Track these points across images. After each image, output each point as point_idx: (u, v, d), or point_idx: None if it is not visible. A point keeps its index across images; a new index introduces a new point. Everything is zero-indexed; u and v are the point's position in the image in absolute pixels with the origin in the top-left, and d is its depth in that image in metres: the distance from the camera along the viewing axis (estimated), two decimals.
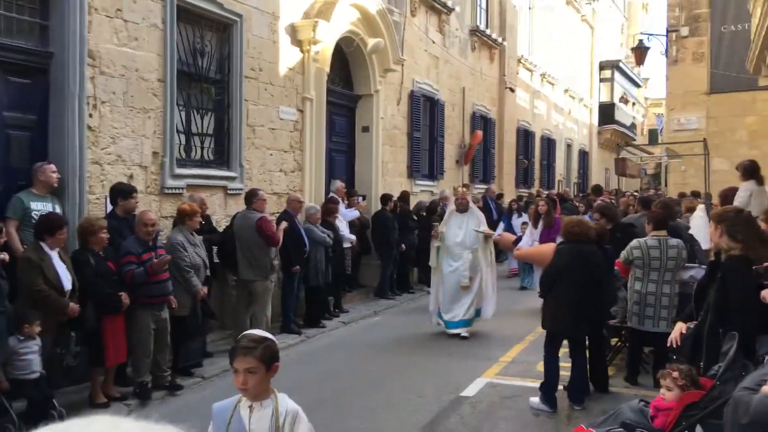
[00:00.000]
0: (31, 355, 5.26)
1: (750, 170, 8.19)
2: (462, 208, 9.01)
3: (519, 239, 10.20)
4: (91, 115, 6.75)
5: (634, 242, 6.61)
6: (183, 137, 8.24)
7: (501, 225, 13.44)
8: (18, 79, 6.37)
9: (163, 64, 7.63)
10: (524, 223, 12.14)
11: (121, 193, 6.63)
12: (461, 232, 8.84)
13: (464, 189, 9.36)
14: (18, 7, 6.31)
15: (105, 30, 6.93)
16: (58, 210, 6.14)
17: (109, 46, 6.97)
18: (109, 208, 6.79)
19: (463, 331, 8.62)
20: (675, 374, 3.91)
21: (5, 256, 5.34)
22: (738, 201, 7.57)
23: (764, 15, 9.52)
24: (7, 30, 6.24)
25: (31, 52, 6.44)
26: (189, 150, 8.38)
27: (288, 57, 9.91)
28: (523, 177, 21.03)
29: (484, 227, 9.00)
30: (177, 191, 7.84)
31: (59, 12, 6.50)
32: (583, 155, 29.33)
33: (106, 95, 6.95)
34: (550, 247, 8.88)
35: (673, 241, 6.55)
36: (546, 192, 19.35)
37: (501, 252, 12.69)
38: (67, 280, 5.55)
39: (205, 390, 6.68)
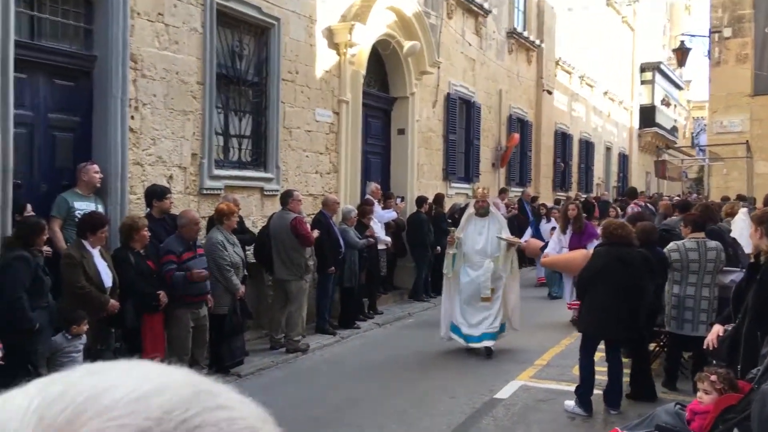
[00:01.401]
0: (76, 354, 5.40)
1: None
2: (482, 212, 8.11)
3: (546, 246, 9.88)
4: (132, 117, 6.93)
5: (672, 244, 6.50)
6: (221, 139, 8.38)
7: (528, 230, 12.54)
8: (63, 81, 6.58)
9: (203, 67, 7.78)
10: (553, 228, 11.31)
11: (156, 194, 6.78)
12: (481, 238, 7.99)
13: (485, 190, 8.53)
14: (63, 11, 6.52)
15: (147, 34, 7.10)
16: (100, 209, 6.30)
17: (150, 49, 7.14)
18: (145, 209, 6.94)
19: (486, 344, 7.82)
20: (713, 377, 3.84)
21: (48, 250, 5.51)
22: None
23: None
24: (53, 34, 6.45)
25: (76, 55, 6.65)
26: (227, 151, 8.52)
27: (324, 60, 10.00)
28: (561, 180, 20.82)
29: (507, 233, 8.23)
30: (215, 192, 7.98)
31: (103, 16, 6.69)
32: (623, 158, 28.89)
33: (147, 97, 7.12)
34: (579, 254, 8.62)
35: (712, 243, 6.43)
36: (584, 196, 19.16)
37: (529, 259, 11.99)
38: (107, 278, 5.70)
39: (241, 388, 6.75)
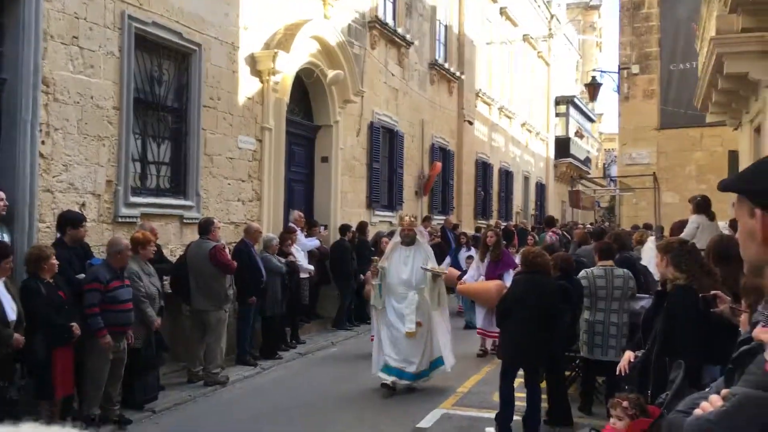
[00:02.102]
0: None
1: (702, 205, 8.49)
2: (408, 240, 7.65)
3: (464, 274, 9.98)
4: (43, 142, 6.65)
5: (582, 272, 6.76)
6: (138, 165, 8.15)
7: (447, 259, 12.16)
8: None
9: (119, 91, 7.57)
10: (469, 257, 11.29)
11: (70, 221, 6.48)
12: (407, 268, 7.51)
13: (411, 218, 8.11)
14: None
15: (60, 57, 6.86)
16: (6, 238, 5.98)
17: (63, 73, 6.89)
18: (57, 235, 6.63)
19: (407, 383, 7.46)
20: (625, 403, 3.97)
21: None
22: (685, 233, 7.81)
23: (710, 54, 9.92)
24: None
25: None
26: (144, 178, 8.29)
27: (247, 87, 9.93)
28: (482, 208, 21.29)
29: (433, 264, 7.75)
30: (131, 220, 7.73)
31: (13, 38, 6.43)
32: (541, 187, 29.87)
33: (60, 122, 6.85)
34: (494, 285, 8.82)
35: (619, 271, 6.71)
36: (504, 223, 19.64)
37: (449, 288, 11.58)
38: (11, 311, 5.38)
39: (156, 424, 6.52)
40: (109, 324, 6.02)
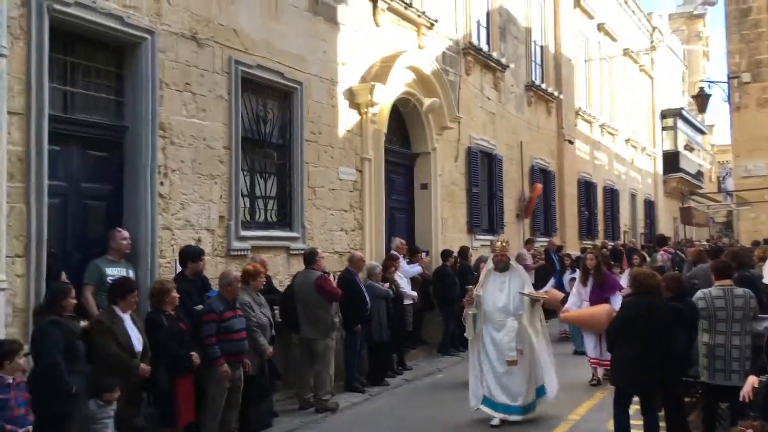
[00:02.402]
0: (107, 420, 5.42)
1: None
2: (502, 266, 7.45)
3: (567, 297, 9.52)
4: (162, 183, 7.12)
5: (699, 293, 6.41)
6: (247, 200, 8.55)
7: (551, 281, 12.22)
8: (95, 152, 6.81)
9: (228, 132, 8.01)
10: (572, 279, 10.67)
11: (191, 255, 6.90)
12: (503, 295, 7.29)
13: (504, 243, 7.73)
14: (95, 85, 6.80)
15: (175, 103, 7.36)
16: (131, 274, 6.43)
17: (178, 117, 7.39)
18: (178, 269, 7.06)
19: (515, 418, 7.11)
20: (749, 431, 3.75)
21: (86, 323, 5.61)
22: None
23: None
24: (86, 107, 6.71)
25: (108, 126, 6.90)
26: (253, 212, 8.68)
27: (346, 119, 10.23)
28: (587, 228, 20.71)
29: (529, 288, 7.57)
30: (242, 253, 8.10)
31: (133, 88, 6.98)
32: (649, 204, 28.69)
33: (176, 164, 7.33)
34: (602, 310, 8.30)
35: (739, 291, 6.32)
36: (611, 244, 18.99)
37: (551, 311, 10.69)
38: (138, 342, 5.75)
39: None
40: (225, 353, 6.32)
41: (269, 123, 8.97)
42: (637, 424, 5.88)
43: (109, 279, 6.17)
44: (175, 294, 6.16)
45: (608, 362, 8.32)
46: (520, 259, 13.99)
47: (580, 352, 10.64)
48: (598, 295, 8.71)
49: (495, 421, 7.06)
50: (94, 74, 6.81)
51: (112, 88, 7.00)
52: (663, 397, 6.10)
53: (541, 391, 7.32)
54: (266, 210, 8.92)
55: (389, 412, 8.08)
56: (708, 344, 6.25)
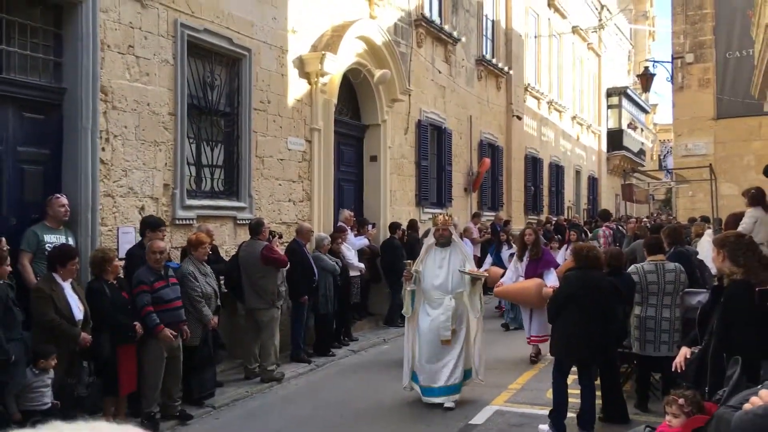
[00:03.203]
0: (44, 389, 5.32)
1: (756, 197, 8.23)
2: (443, 241, 7.03)
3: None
4: (103, 149, 6.91)
5: (632, 267, 6.69)
6: (193, 169, 8.38)
7: (488, 258, 11.84)
8: (32, 114, 6.55)
9: (174, 98, 7.81)
10: (512, 254, 10.33)
11: (150, 225, 6.81)
12: (442, 272, 6.91)
13: (447, 217, 7.32)
14: (33, 45, 6.52)
15: (117, 66, 7.11)
16: (71, 242, 6.25)
17: (121, 81, 7.15)
18: (138, 238, 6.97)
19: (446, 401, 6.78)
20: (681, 401, 3.91)
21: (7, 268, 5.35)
22: (742, 227, 7.60)
23: (766, 41, 9.62)
24: (22, 67, 6.44)
25: (45, 88, 6.63)
26: (199, 181, 8.52)
27: (296, 89, 10.09)
28: (532, 204, 21.08)
29: (471, 266, 7.19)
30: (187, 222, 7.96)
31: (72, 49, 6.70)
32: (593, 181, 29.37)
33: (118, 129, 7.11)
34: (533, 284, 8.44)
35: (671, 266, 6.60)
36: (554, 218, 19.40)
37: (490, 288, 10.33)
38: (78, 311, 5.64)
39: (216, 420, 6.71)
40: (161, 323, 6.21)
41: (216, 90, 8.77)
42: (574, 392, 6.07)
43: (47, 246, 6.00)
44: (117, 263, 6.04)
45: (536, 338, 8.63)
46: (467, 232, 14.23)
47: (511, 327, 11.03)
48: (533, 271, 8.64)
49: (449, 404, 6.78)
50: (31, 33, 6.51)
51: (51, 48, 6.72)
52: (600, 367, 6.32)
53: (468, 374, 7.04)
54: (213, 179, 8.77)
55: (334, 383, 8.14)
56: (639, 317, 6.53)
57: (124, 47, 7.19)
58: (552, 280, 8.31)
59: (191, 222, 8.00)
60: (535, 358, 8.87)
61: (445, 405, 6.75)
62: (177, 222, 7.83)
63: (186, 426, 6.46)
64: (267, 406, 7.18)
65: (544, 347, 8.74)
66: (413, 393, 7.11)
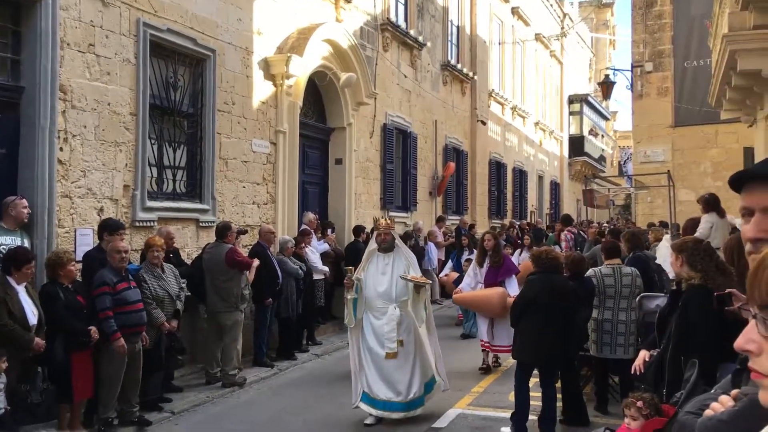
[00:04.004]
0: None
1: (711, 203, 8.46)
2: (386, 246, 6.54)
3: (461, 279, 9.04)
4: (61, 149, 6.75)
5: (590, 271, 6.81)
6: (155, 170, 8.25)
7: (449, 263, 11.44)
8: None
9: (136, 98, 7.68)
10: (468, 260, 9.99)
11: (107, 228, 6.66)
12: (385, 279, 6.43)
13: (387, 221, 6.81)
14: None
15: (77, 65, 6.97)
16: (26, 244, 6.09)
17: (80, 80, 7.00)
18: (97, 242, 6.79)
19: (397, 416, 6.33)
20: (639, 404, 3.99)
21: None
22: (700, 232, 7.78)
23: (722, 51, 9.87)
24: None
25: (3, 86, 6.46)
26: (161, 183, 8.39)
27: (261, 91, 10.01)
28: (496, 208, 21.28)
29: (416, 272, 6.60)
30: (148, 224, 7.82)
31: (31, 47, 6.54)
32: (555, 186, 29.78)
33: (77, 129, 6.96)
34: (495, 293, 8.07)
35: (627, 269, 6.74)
36: (518, 222, 19.61)
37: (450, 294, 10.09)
38: (32, 315, 5.49)
39: (175, 425, 6.60)
40: (122, 325, 6.09)
41: (180, 90, 8.65)
42: (536, 395, 6.13)
43: (2, 248, 5.83)
44: (71, 267, 5.90)
45: (499, 347, 8.39)
46: (431, 236, 14.29)
47: (469, 336, 10.43)
48: (493, 278, 8.30)
49: (369, 420, 6.35)
50: None
51: (8, 45, 6.55)
52: (561, 370, 6.39)
53: (431, 386, 6.59)
54: (175, 180, 8.64)
55: (297, 388, 8.08)
56: (597, 319, 6.66)
57: (84, 45, 7.05)
58: (514, 288, 8.08)
59: (152, 224, 7.87)
60: (486, 367, 8.56)
61: (393, 416, 6.33)
62: (137, 224, 7.69)
63: None
64: (228, 411, 7.09)
65: (492, 358, 8.60)
66: None
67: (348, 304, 6.50)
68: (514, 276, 8.41)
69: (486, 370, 8.56)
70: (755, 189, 1.53)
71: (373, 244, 6.72)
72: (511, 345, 7.75)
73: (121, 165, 7.51)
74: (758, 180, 1.53)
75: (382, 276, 6.48)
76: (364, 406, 6.40)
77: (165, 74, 8.41)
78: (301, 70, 10.51)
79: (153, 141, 8.18)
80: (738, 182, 1.59)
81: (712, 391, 1.81)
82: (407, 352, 6.38)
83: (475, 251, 9.70)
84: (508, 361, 8.28)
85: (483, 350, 8.61)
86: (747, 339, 1.02)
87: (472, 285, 8.55)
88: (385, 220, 6.80)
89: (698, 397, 1.76)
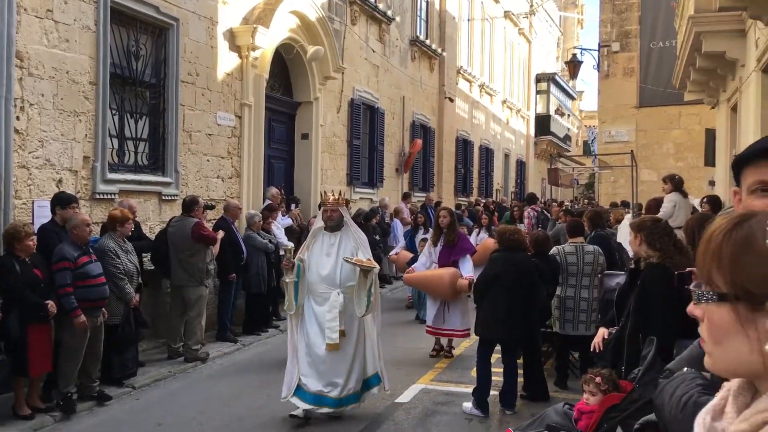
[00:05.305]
0: None
1: (675, 183, 8.63)
2: (332, 224, 5.80)
3: (415, 259, 8.53)
4: (18, 118, 6.55)
5: (554, 249, 6.92)
6: (116, 141, 8.06)
7: (401, 241, 10.57)
8: None
9: (96, 66, 7.47)
10: (423, 239, 9.36)
11: (60, 201, 6.48)
12: (330, 261, 5.72)
13: (335, 196, 5.92)
14: None
15: (34, 31, 6.73)
16: None
17: (38, 47, 6.77)
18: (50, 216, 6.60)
19: (330, 411, 5.71)
20: (597, 379, 4.06)
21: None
22: (663, 211, 7.93)
23: (688, 32, 9.98)
24: None
25: None
26: (122, 155, 8.21)
27: (226, 62, 9.83)
28: (462, 185, 21.37)
29: (365, 254, 5.79)
30: (109, 197, 7.66)
31: None
32: (521, 165, 30.01)
33: (35, 97, 6.75)
34: (447, 274, 7.60)
35: (590, 248, 6.85)
36: (483, 200, 19.75)
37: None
38: None
39: (136, 400, 6.54)
40: (83, 299, 6.00)
41: (142, 60, 8.44)
42: (498, 371, 6.21)
43: None
44: (30, 242, 5.75)
45: (448, 331, 7.95)
46: (398, 214, 14.29)
47: (422, 319, 9.57)
48: (447, 257, 7.78)
49: (298, 412, 5.72)
50: None
51: None
52: (523, 347, 6.49)
53: (372, 382, 5.92)
54: (137, 152, 8.46)
55: (260, 362, 8.06)
56: (560, 297, 6.78)
57: (42, 11, 6.80)
58: (468, 268, 7.67)
59: (113, 197, 7.71)
60: (436, 353, 8.11)
61: (325, 412, 5.72)
62: (97, 196, 7.52)
63: (105, 407, 6.27)
64: (190, 386, 7.05)
65: (446, 341, 8.17)
66: None
67: (288, 287, 5.73)
68: (468, 256, 7.84)
69: (437, 353, 8.14)
70: None
71: (319, 222, 5.97)
72: (463, 329, 7.83)
73: (80, 135, 7.32)
74: None
75: (326, 258, 5.76)
76: (295, 400, 5.71)
77: (126, 43, 8.19)
78: (267, 42, 10.33)
79: (114, 111, 7.99)
80: (746, 159, 1.58)
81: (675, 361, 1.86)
82: (349, 344, 5.70)
83: (430, 229, 9.03)
84: (472, 338, 8.34)
85: (434, 336, 8.16)
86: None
87: (426, 265, 7.98)
88: (333, 194, 5.95)
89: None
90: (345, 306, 5.66)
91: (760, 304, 0.89)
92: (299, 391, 5.70)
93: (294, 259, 5.77)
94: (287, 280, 5.73)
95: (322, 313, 5.67)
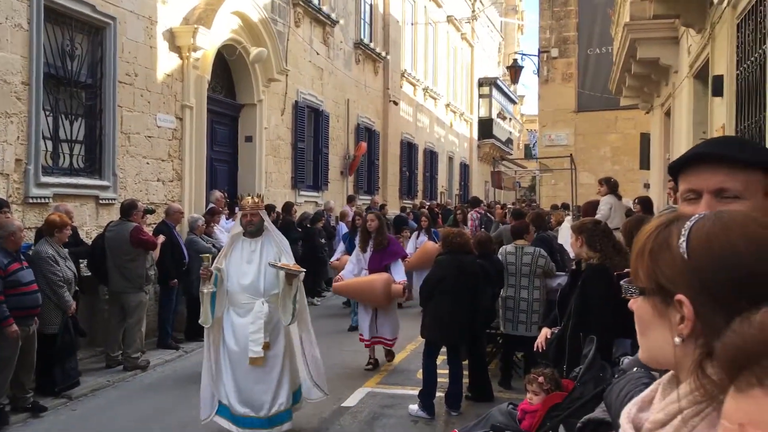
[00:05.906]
0: None
1: (610, 186, 8.89)
2: (252, 229, 5.29)
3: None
4: None
5: (501, 249, 7.06)
6: (50, 144, 7.79)
7: (340, 246, 9.72)
8: None
9: (28, 66, 7.20)
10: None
11: None
12: (252, 268, 5.26)
13: (255, 199, 5.41)
14: None
15: None
16: None
17: None
18: None
19: None
20: (540, 379, 4.13)
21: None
22: (600, 214, 8.13)
23: (624, 39, 10.29)
24: None
25: None
26: (56, 157, 7.94)
27: (166, 63, 9.62)
28: (407, 188, 21.48)
29: (288, 259, 5.35)
30: (43, 201, 7.39)
31: None
32: (464, 168, 30.37)
33: None
34: (380, 280, 7.28)
35: (529, 249, 6.99)
36: (428, 203, 19.89)
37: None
38: None
39: (72, 411, 6.32)
40: (15, 308, 5.76)
41: (77, 60, 8.17)
42: (443, 372, 6.25)
43: None
44: None
45: (382, 340, 7.70)
46: (342, 216, 14.23)
47: (354, 327, 9.17)
48: (378, 263, 7.46)
49: (232, 429, 5.22)
50: None
51: None
52: (468, 348, 6.55)
53: (298, 395, 5.54)
54: (72, 155, 8.19)
55: (199, 368, 7.88)
56: (502, 297, 6.89)
57: None
58: (401, 273, 7.49)
59: (47, 201, 7.44)
60: (372, 367, 7.70)
61: None
62: (30, 201, 7.25)
63: (39, 418, 6.04)
64: (129, 395, 6.85)
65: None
66: None
67: (204, 299, 5.19)
68: (400, 260, 7.63)
69: (374, 366, 7.73)
70: (703, 171, 1.54)
71: (237, 227, 5.44)
72: (392, 338, 7.73)
73: (12, 137, 7.04)
74: (707, 161, 1.54)
75: (247, 265, 5.27)
76: (221, 421, 5.25)
77: (61, 42, 7.92)
78: (208, 42, 10.16)
79: (48, 113, 7.72)
80: (678, 168, 1.61)
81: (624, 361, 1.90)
82: (275, 356, 5.23)
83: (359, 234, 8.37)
84: (418, 340, 8.37)
85: (368, 347, 7.79)
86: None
87: (355, 272, 7.63)
88: (252, 198, 5.42)
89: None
90: (270, 316, 5.22)
91: (671, 298, 0.95)
92: (223, 410, 5.25)
93: (212, 267, 5.25)
94: (205, 291, 5.17)
95: (243, 326, 5.19)
